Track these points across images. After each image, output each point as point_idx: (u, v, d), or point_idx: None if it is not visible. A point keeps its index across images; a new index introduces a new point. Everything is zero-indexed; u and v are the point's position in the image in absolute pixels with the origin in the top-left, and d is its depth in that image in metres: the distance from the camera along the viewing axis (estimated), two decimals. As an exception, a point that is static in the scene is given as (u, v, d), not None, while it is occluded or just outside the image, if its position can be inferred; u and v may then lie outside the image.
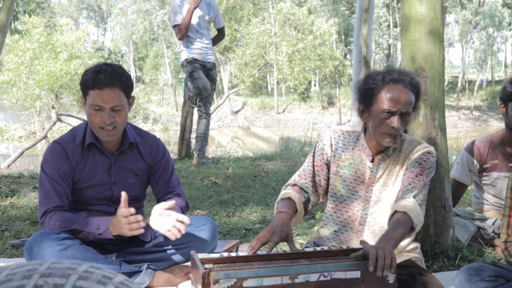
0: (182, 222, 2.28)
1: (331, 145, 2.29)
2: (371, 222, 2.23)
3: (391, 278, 1.85)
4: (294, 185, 2.31)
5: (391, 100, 2.09)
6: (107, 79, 2.27)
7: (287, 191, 2.26)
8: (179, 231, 2.27)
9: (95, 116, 2.31)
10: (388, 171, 2.22)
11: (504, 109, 3.01)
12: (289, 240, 2.02)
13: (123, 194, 2.21)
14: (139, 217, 2.20)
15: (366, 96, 2.15)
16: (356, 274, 1.85)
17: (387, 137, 2.12)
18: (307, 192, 2.30)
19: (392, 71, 2.15)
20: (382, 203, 2.22)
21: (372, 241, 2.19)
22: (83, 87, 2.33)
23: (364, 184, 2.23)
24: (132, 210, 2.20)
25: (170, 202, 2.32)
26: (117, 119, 2.32)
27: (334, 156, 2.28)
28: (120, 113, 2.32)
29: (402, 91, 2.09)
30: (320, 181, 2.32)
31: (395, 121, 2.08)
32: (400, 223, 2.01)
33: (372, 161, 2.23)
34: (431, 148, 2.22)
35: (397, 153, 2.22)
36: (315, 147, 2.34)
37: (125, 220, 2.19)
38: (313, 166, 2.31)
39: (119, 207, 2.22)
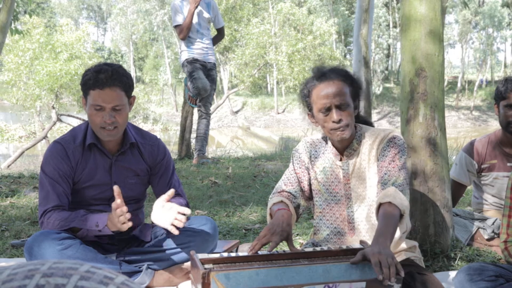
0: (183, 214, 2.27)
1: (306, 153, 2.34)
2: (359, 218, 2.25)
3: (397, 287, 1.84)
4: (282, 191, 2.32)
5: (321, 98, 2.14)
6: (107, 79, 2.27)
7: (277, 197, 2.28)
8: (181, 222, 2.25)
9: (96, 116, 2.31)
10: (358, 165, 2.24)
11: (497, 108, 3.05)
12: (289, 240, 2.03)
13: (115, 188, 2.18)
14: (124, 208, 2.17)
15: (306, 103, 2.23)
16: (362, 285, 1.84)
17: (335, 132, 2.16)
18: (296, 197, 2.32)
19: (317, 70, 2.22)
20: (363, 198, 2.24)
21: (366, 236, 2.21)
22: (84, 87, 2.33)
23: (341, 183, 2.26)
24: (119, 201, 2.17)
25: (170, 191, 2.31)
26: (118, 118, 2.32)
27: (311, 163, 2.33)
28: (121, 112, 2.32)
29: (328, 85, 2.14)
30: (304, 186, 2.35)
31: (334, 115, 2.13)
32: (388, 215, 2.01)
33: (341, 159, 2.26)
34: (395, 132, 2.24)
35: (363, 145, 2.25)
36: (292, 157, 2.38)
37: (115, 213, 2.18)
38: (296, 173, 2.35)
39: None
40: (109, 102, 2.28)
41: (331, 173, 2.28)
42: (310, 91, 2.19)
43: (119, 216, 2.16)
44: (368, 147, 2.23)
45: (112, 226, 2.23)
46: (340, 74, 2.17)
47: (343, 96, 2.13)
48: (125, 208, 2.17)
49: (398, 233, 2.19)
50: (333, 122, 2.13)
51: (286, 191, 2.31)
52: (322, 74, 2.18)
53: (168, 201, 2.31)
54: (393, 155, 2.17)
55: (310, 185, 2.35)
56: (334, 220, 2.29)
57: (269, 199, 2.32)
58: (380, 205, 2.07)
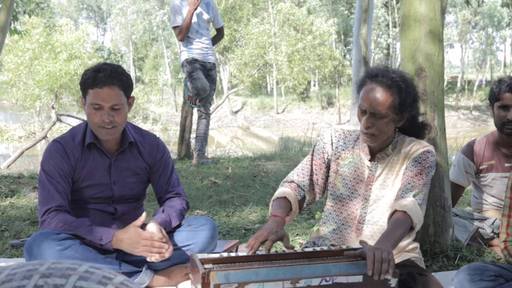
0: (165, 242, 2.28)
1: (332, 143, 2.30)
2: (370, 221, 2.23)
3: (393, 282, 1.84)
4: (292, 181, 2.31)
5: (362, 99, 2.11)
6: (106, 78, 2.27)
7: (283, 189, 2.27)
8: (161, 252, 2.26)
9: (95, 115, 2.31)
10: (387, 170, 2.21)
11: (492, 109, 3.04)
12: (284, 239, 2.03)
13: (143, 215, 2.26)
14: (165, 245, 2.25)
15: (359, 94, 2.19)
16: (358, 278, 1.84)
17: (362, 135, 2.15)
18: (303, 190, 2.30)
19: (376, 68, 2.16)
20: (381, 202, 2.21)
21: (371, 240, 2.19)
22: (83, 86, 2.34)
23: (363, 183, 2.23)
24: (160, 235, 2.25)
25: (142, 217, 2.31)
26: (116, 118, 2.32)
27: (335, 154, 2.29)
28: (120, 112, 2.32)
29: (372, 89, 2.09)
30: (317, 180, 2.32)
31: (364, 120, 2.10)
32: (399, 223, 2.00)
33: (371, 160, 2.23)
34: (431, 147, 2.21)
35: (396, 152, 2.22)
36: (315, 146, 2.34)
37: (146, 242, 2.22)
38: (312, 165, 2.32)
39: (135, 223, 2.26)
40: (107, 101, 2.28)
41: (355, 169, 2.25)
42: (362, 85, 2.15)
43: (153, 246, 2.23)
44: (402, 156, 2.20)
45: (117, 244, 2.25)
46: (390, 81, 2.08)
47: (381, 106, 2.06)
48: (171, 248, 2.26)
49: (404, 242, 2.20)
50: (363, 125, 2.11)
51: (295, 183, 2.30)
52: (374, 74, 2.11)
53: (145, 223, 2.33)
54: (421, 168, 2.14)
55: (326, 178, 2.32)
56: (344, 216, 2.27)
57: (279, 186, 2.33)
58: (394, 211, 2.06)
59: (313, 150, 2.33)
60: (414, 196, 2.09)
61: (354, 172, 2.25)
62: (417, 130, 2.28)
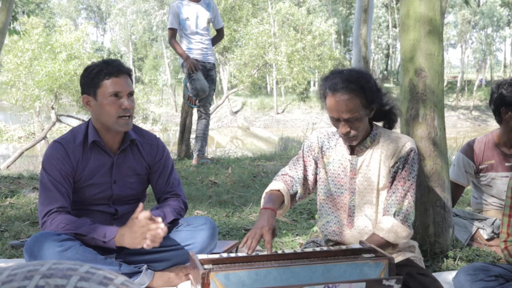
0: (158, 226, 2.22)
1: (318, 143, 2.37)
2: (359, 213, 2.29)
3: (396, 287, 1.84)
4: (286, 174, 2.38)
5: (331, 110, 2.15)
6: (119, 67, 2.34)
7: (277, 183, 2.33)
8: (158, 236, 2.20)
9: (113, 105, 2.32)
10: (367, 163, 2.27)
11: (508, 113, 2.97)
12: (274, 236, 2.07)
13: (140, 206, 2.22)
14: (160, 226, 2.19)
15: (323, 103, 2.22)
16: (361, 285, 1.84)
17: (343, 139, 2.22)
18: (297, 183, 2.37)
19: (328, 78, 2.18)
20: (366, 194, 2.28)
21: (365, 230, 2.27)
22: (95, 80, 2.33)
23: (347, 177, 2.30)
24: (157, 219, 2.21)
25: (139, 208, 2.26)
26: (132, 107, 2.38)
27: (321, 154, 2.36)
28: (133, 100, 2.39)
29: (339, 99, 2.11)
30: (308, 175, 2.39)
31: (341, 127, 2.15)
32: (378, 245, 2.11)
33: (351, 153, 2.29)
34: (411, 143, 2.24)
35: (375, 144, 2.27)
36: (303, 145, 2.43)
37: (142, 229, 2.19)
38: (303, 160, 2.40)
39: (134, 216, 2.22)
40: (125, 88, 2.33)
41: (339, 165, 2.32)
42: (325, 96, 2.17)
43: (149, 230, 2.18)
44: (381, 148, 2.25)
45: (120, 241, 2.23)
46: (353, 85, 2.10)
47: (353, 110, 2.11)
48: (163, 226, 2.20)
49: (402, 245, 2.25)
50: (341, 133, 2.16)
51: (289, 175, 2.37)
52: (332, 83, 2.13)
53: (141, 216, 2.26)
54: (407, 171, 2.21)
55: (315, 174, 2.39)
56: (335, 210, 2.34)
57: (273, 180, 2.39)
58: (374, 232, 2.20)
59: (303, 148, 2.42)
60: (396, 213, 2.19)
61: (338, 168, 2.32)
62: (387, 115, 2.33)
